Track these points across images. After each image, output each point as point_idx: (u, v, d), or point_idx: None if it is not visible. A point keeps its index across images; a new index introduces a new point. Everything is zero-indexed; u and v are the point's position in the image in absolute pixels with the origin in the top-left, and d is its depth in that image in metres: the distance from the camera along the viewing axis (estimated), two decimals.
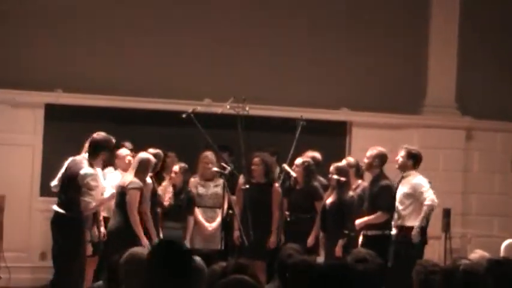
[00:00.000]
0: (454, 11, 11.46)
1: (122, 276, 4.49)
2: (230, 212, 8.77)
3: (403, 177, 8.54)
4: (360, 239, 8.36)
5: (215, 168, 8.77)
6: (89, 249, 7.94)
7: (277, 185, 8.94)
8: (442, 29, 11.47)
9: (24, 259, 9.70)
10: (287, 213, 8.80)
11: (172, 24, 10.56)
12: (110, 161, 8.70)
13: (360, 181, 8.90)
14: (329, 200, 8.54)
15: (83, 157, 7.76)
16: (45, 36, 10.11)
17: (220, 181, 8.82)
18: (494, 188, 11.57)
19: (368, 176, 8.85)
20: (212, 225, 8.84)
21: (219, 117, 9.02)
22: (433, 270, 4.82)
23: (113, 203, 8.56)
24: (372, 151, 8.53)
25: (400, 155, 8.54)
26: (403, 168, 8.53)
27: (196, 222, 8.86)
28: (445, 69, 11.45)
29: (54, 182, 7.96)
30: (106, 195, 7.94)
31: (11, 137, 9.79)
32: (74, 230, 7.56)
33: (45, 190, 9.58)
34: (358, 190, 8.68)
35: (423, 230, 8.33)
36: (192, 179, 9.01)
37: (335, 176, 8.46)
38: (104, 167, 8.43)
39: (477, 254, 5.75)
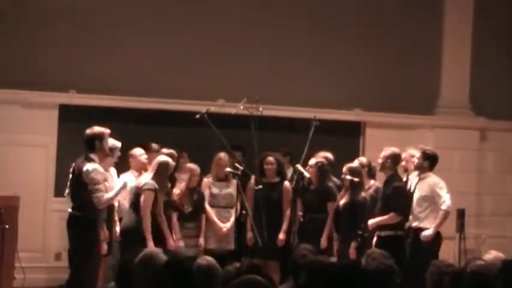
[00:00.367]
0: (468, 11, 11.43)
1: (135, 276, 4.51)
2: (244, 212, 8.78)
3: (420, 179, 8.52)
4: (374, 239, 8.35)
5: (228, 169, 8.79)
6: (104, 248, 7.96)
7: (287, 183, 8.98)
8: (456, 29, 11.44)
9: (39, 259, 9.74)
10: (300, 213, 8.81)
11: (187, 25, 10.58)
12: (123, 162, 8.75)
13: (372, 181, 8.88)
14: (342, 201, 8.54)
15: (86, 156, 7.76)
16: (60, 38, 10.15)
17: (234, 181, 8.84)
18: (508, 188, 11.53)
19: (381, 176, 8.84)
20: (226, 225, 8.86)
21: (232, 117, 9.02)
22: (447, 271, 4.81)
23: (125, 204, 8.61)
24: (385, 152, 8.52)
25: (416, 156, 8.52)
26: (419, 169, 8.51)
27: (211, 223, 8.87)
28: (459, 70, 11.42)
29: (67, 190, 7.99)
30: (117, 187, 7.91)
31: (25, 137, 9.83)
32: (88, 230, 7.57)
33: (59, 190, 9.61)
34: (371, 190, 8.67)
35: (437, 231, 8.33)
36: (205, 179, 9.03)
37: (348, 177, 8.47)
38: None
39: (491, 254, 5.73)
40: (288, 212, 8.89)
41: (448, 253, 9.93)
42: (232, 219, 8.87)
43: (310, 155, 8.96)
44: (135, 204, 8.05)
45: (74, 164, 7.79)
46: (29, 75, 9.90)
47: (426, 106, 11.34)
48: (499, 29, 11.53)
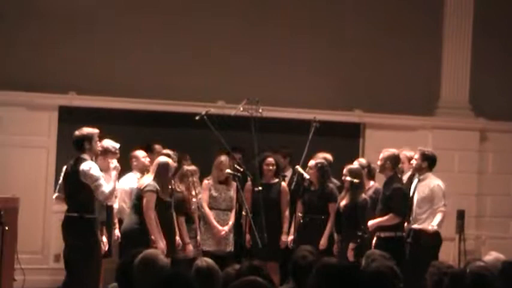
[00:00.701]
0: (468, 12, 11.43)
1: (135, 278, 4.50)
2: (243, 213, 8.78)
3: (419, 180, 8.52)
4: (374, 240, 8.35)
5: (228, 170, 8.79)
6: (103, 249, 7.93)
7: (284, 184, 9.00)
8: (456, 30, 11.43)
9: (38, 261, 9.74)
10: (300, 214, 8.81)
11: (185, 27, 10.59)
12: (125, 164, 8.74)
13: (372, 182, 8.89)
14: (343, 202, 8.54)
15: (77, 157, 7.72)
16: (60, 40, 10.16)
17: (234, 184, 8.85)
18: (508, 189, 11.53)
19: (380, 177, 8.84)
20: (225, 229, 8.85)
21: (232, 119, 9.02)
22: (447, 272, 4.81)
23: (124, 205, 8.60)
24: (384, 153, 8.52)
25: (415, 158, 8.52)
26: (418, 170, 8.51)
27: (209, 225, 8.88)
28: (459, 71, 11.42)
29: (56, 194, 7.95)
30: (112, 176, 7.84)
31: (25, 139, 9.83)
32: (88, 231, 7.55)
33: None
34: (370, 191, 8.68)
35: (437, 233, 8.34)
36: (205, 181, 9.03)
37: (348, 178, 8.47)
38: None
39: (492, 256, 5.73)
40: (287, 213, 8.92)
41: (448, 254, 9.93)
42: (231, 221, 8.88)
43: (310, 156, 8.96)
44: (136, 206, 8.04)
45: (65, 167, 7.76)
46: (29, 77, 9.90)
47: (426, 107, 11.34)
48: (498, 30, 11.52)
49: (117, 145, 8.32)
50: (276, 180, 9.04)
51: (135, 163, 8.86)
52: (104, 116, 9.91)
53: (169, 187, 8.29)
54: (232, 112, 8.98)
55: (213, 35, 10.63)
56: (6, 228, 7.39)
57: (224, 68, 10.59)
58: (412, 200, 8.47)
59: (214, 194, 8.97)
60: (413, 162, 8.53)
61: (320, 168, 8.75)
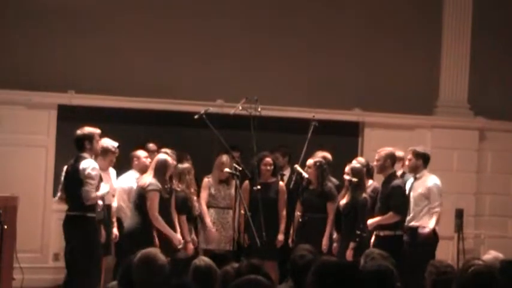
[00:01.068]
0: (467, 12, 11.43)
1: (134, 276, 4.50)
2: (242, 212, 8.78)
3: (416, 179, 8.52)
4: (372, 239, 8.35)
5: (227, 169, 8.78)
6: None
7: (282, 183, 9.01)
8: (455, 30, 11.44)
9: (38, 260, 9.74)
10: (299, 213, 8.81)
11: (184, 26, 10.59)
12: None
13: (370, 181, 8.89)
14: (343, 201, 8.54)
15: (77, 156, 7.74)
16: (58, 38, 10.16)
17: (233, 182, 8.85)
18: (507, 188, 11.53)
19: (378, 176, 8.83)
20: (213, 230, 8.84)
21: (231, 118, 9.01)
22: (445, 271, 4.81)
23: (122, 204, 8.60)
24: (381, 152, 8.50)
25: (408, 159, 8.54)
26: (414, 169, 8.52)
27: (203, 225, 8.90)
28: (458, 70, 11.42)
29: (58, 193, 7.96)
30: (104, 190, 7.82)
31: (24, 138, 9.83)
32: (88, 230, 7.56)
33: (58, 191, 9.62)
34: (369, 190, 8.66)
35: (433, 230, 8.36)
36: (205, 179, 9.03)
37: (347, 177, 8.47)
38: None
39: (491, 254, 5.73)
40: (284, 212, 8.92)
41: (446, 253, 9.94)
42: (231, 220, 8.88)
43: (309, 155, 8.96)
44: (138, 205, 8.02)
45: (66, 166, 7.78)
46: (28, 75, 9.90)
47: (425, 106, 11.33)
48: (497, 29, 11.52)
49: (116, 144, 8.33)
50: (274, 179, 9.04)
51: (136, 162, 8.86)
52: (103, 114, 9.91)
53: (169, 185, 8.29)
54: (231, 111, 8.97)
55: (213, 35, 10.63)
56: (5, 227, 7.38)
57: (223, 67, 10.59)
58: (408, 199, 8.47)
59: (213, 192, 8.97)
60: (407, 162, 8.55)
61: (319, 167, 8.74)
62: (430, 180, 8.51)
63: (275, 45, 10.84)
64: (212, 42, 10.61)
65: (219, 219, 8.93)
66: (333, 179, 8.95)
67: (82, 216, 7.56)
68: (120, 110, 10.17)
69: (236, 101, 8.97)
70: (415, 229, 8.35)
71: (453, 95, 11.44)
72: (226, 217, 8.92)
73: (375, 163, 8.57)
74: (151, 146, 9.25)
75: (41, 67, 10.04)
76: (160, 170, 8.07)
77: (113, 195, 8.52)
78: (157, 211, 7.94)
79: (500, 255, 5.69)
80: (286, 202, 9.00)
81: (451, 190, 10.21)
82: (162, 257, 4.59)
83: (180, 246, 8.37)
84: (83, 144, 7.64)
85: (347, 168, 8.54)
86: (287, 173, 9.68)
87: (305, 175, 8.82)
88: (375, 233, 8.33)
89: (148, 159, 8.82)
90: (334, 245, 8.62)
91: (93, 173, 7.53)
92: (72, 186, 7.60)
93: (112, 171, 8.57)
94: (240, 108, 8.84)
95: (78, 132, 7.70)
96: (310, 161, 8.81)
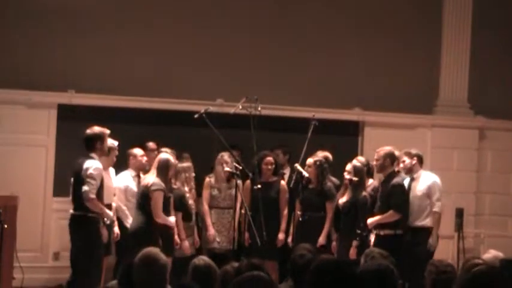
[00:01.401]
0: (467, 10, 11.42)
1: (135, 276, 4.50)
2: (242, 212, 8.79)
3: (413, 179, 8.55)
4: (372, 238, 8.35)
5: (227, 168, 8.79)
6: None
7: (283, 182, 9.02)
8: (455, 29, 11.43)
9: (38, 259, 9.73)
10: (299, 212, 8.80)
11: (184, 25, 10.59)
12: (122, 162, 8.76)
13: (370, 180, 8.89)
14: (342, 200, 8.54)
15: (85, 156, 7.76)
16: (58, 38, 10.16)
17: (234, 182, 8.85)
18: (507, 187, 11.53)
19: (378, 175, 8.84)
20: (211, 233, 8.84)
21: (231, 117, 9.01)
22: (445, 271, 4.82)
23: (120, 204, 8.60)
24: (380, 152, 8.49)
25: (402, 161, 8.56)
26: (411, 170, 8.56)
27: (204, 225, 8.90)
28: (458, 69, 11.41)
29: (70, 196, 7.99)
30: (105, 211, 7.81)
31: (24, 137, 9.83)
32: (92, 229, 7.58)
33: (58, 190, 9.64)
34: (369, 189, 8.66)
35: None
36: (207, 179, 9.04)
37: (348, 176, 8.47)
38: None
39: (491, 254, 5.74)
40: (285, 212, 8.93)
41: (446, 252, 9.94)
42: (231, 219, 8.88)
43: (310, 154, 8.96)
44: (141, 204, 8.02)
45: (74, 166, 7.79)
46: (28, 75, 9.90)
47: (425, 105, 11.33)
48: (497, 28, 11.52)
49: (116, 142, 8.35)
50: (275, 178, 9.04)
51: (132, 161, 8.86)
52: (103, 114, 9.90)
53: (169, 184, 8.30)
54: (232, 110, 8.97)
55: (213, 34, 10.62)
56: (6, 226, 7.40)
57: (223, 66, 10.59)
58: (408, 198, 8.49)
59: (214, 192, 8.97)
60: (401, 165, 8.57)
61: (319, 166, 8.75)
62: (428, 178, 8.54)
63: (275, 45, 10.84)
64: (212, 42, 10.61)
65: (219, 220, 8.94)
66: (333, 179, 8.95)
67: (84, 216, 7.58)
68: (120, 109, 10.17)
69: (236, 100, 8.97)
70: (417, 229, 8.36)
71: (453, 94, 11.44)
72: (227, 217, 8.92)
73: (374, 163, 8.57)
74: (151, 145, 9.26)
75: (41, 67, 10.04)
76: (163, 169, 8.08)
77: (114, 194, 8.53)
78: (161, 211, 7.94)
79: (500, 255, 5.70)
80: (288, 201, 9.00)
81: (451, 189, 10.22)
82: (163, 257, 4.59)
83: (177, 247, 8.39)
84: (94, 144, 7.68)
85: (348, 167, 8.54)
86: (287, 171, 9.68)
87: (305, 174, 8.83)
88: (375, 232, 8.33)
89: (145, 158, 8.83)
90: (333, 243, 8.62)
91: (95, 173, 7.54)
92: (78, 186, 7.63)
93: (111, 170, 8.58)
94: (240, 107, 8.84)
95: (89, 131, 7.72)
96: (310, 160, 8.81)
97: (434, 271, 4.86)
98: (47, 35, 10.14)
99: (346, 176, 8.50)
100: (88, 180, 7.51)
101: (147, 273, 4.46)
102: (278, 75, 10.72)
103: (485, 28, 11.39)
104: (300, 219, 8.76)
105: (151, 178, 8.04)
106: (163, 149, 8.62)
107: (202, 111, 8.58)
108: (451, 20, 11.44)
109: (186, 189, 8.70)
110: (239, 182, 8.79)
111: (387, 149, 8.51)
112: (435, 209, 8.45)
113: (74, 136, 9.59)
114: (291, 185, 9.06)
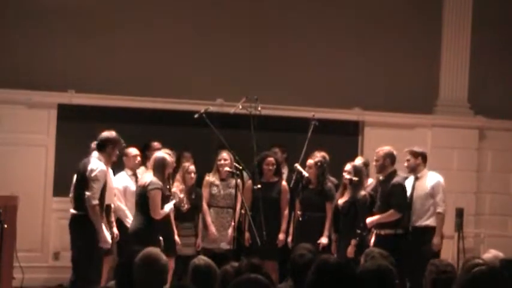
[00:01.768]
0: (467, 10, 11.42)
1: (135, 276, 4.50)
2: (242, 211, 8.79)
3: (417, 178, 8.53)
4: (373, 238, 8.35)
5: (227, 168, 8.78)
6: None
7: (284, 183, 9.02)
8: (455, 28, 11.44)
9: (37, 259, 9.74)
10: (299, 212, 8.80)
11: (184, 25, 10.59)
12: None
13: (370, 180, 8.90)
14: (342, 200, 8.54)
15: (91, 156, 7.78)
16: (58, 38, 10.16)
17: (234, 181, 8.84)
18: (507, 187, 11.54)
19: (375, 174, 8.84)
20: (214, 232, 8.83)
21: (231, 117, 9.01)
22: (445, 270, 4.82)
23: (120, 204, 8.60)
24: (380, 152, 8.48)
25: (406, 159, 8.55)
26: (414, 169, 8.54)
27: (204, 224, 8.90)
28: (458, 69, 11.42)
29: (71, 194, 7.99)
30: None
31: (24, 137, 9.83)
32: (90, 230, 7.57)
33: (58, 190, 9.64)
34: (368, 189, 8.67)
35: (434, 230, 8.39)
36: (206, 178, 9.03)
37: (347, 176, 8.47)
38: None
39: (491, 253, 5.74)
40: (286, 212, 8.93)
41: (447, 252, 9.93)
42: (230, 219, 8.87)
43: (310, 154, 8.96)
44: (140, 204, 8.01)
45: (78, 165, 7.80)
46: (28, 75, 9.91)
47: (425, 105, 11.33)
48: (497, 28, 11.52)
49: (135, 151, 8.40)
50: (276, 179, 9.03)
51: (126, 161, 8.84)
52: (103, 114, 9.92)
53: (166, 182, 8.30)
54: (232, 110, 8.98)
55: (212, 34, 10.63)
56: (5, 226, 7.39)
57: (223, 66, 10.59)
58: (411, 198, 8.48)
59: (213, 191, 8.97)
60: (406, 163, 8.56)
61: (320, 167, 8.75)
62: (432, 178, 8.53)
63: (275, 45, 10.84)
64: (212, 41, 10.61)
65: (218, 219, 8.93)
66: (332, 178, 8.96)
67: (84, 215, 7.58)
68: (120, 109, 10.17)
69: (236, 100, 8.97)
70: (422, 229, 8.36)
71: (453, 94, 11.44)
72: (226, 216, 8.92)
73: (374, 163, 8.56)
74: (156, 144, 9.22)
75: (41, 67, 10.04)
76: (159, 168, 8.06)
77: (114, 195, 8.53)
78: (159, 209, 7.94)
79: (500, 254, 5.70)
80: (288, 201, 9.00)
81: (451, 189, 10.19)
82: (163, 257, 4.59)
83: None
84: (105, 147, 7.70)
85: (347, 167, 8.54)
86: (285, 170, 9.68)
87: (305, 174, 8.83)
88: (375, 231, 8.33)
89: (139, 158, 8.82)
90: (333, 244, 8.62)
91: (100, 175, 7.56)
92: (80, 186, 7.63)
93: (110, 171, 8.57)
94: (240, 107, 8.84)
95: (106, 134, 7.77)
96: (310, 161, 8.81)
97: (434, 271, 4.86)
98: (47, 35, 10.14)
99: (346, 176, 8.50)
100: (92, 184, 7.52)
101: (147, 273, 4.46)
102: (278, 75, 10.73)
103: (485, 28, 11.39)
104: (300, 219, 8.76)
105: (148, 177, 8.03)
106: (163, 151, 8.59)
107: (202, 111, 8.58)
108: (451, 19, 11.44)
109: (182, 187, 8.70)
110: (239, 181, 8.78)
111: (386, 149, 8.50)
112: (439, 209, 8.44)
113: (74, 136, 9.65)
114: (291, 185, 9.06)
